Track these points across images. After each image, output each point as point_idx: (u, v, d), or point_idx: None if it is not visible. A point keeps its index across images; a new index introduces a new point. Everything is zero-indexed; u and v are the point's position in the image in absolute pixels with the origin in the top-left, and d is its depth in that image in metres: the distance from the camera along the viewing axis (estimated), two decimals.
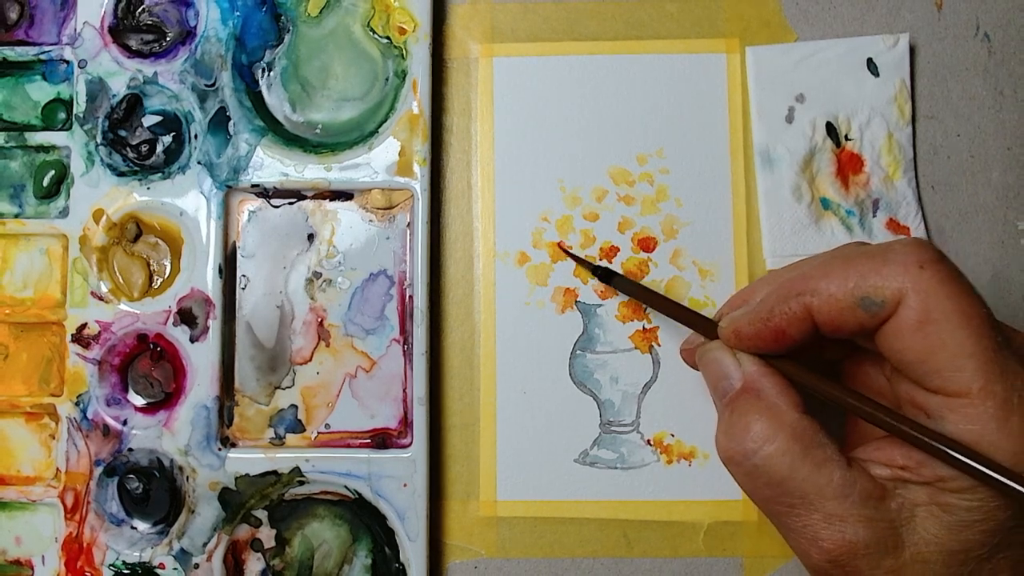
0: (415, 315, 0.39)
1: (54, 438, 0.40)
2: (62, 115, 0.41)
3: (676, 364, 0.40)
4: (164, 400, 0.39)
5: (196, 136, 0.40)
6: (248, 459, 0.39)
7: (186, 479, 0.39)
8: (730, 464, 0.30)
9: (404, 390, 0.40)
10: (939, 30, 0.41)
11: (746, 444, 0.29)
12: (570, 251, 0.40)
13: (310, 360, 0.40)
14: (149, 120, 0.40)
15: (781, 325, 0.29)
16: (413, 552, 0.38)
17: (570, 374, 0.40)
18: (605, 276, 0.39)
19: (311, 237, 0.40)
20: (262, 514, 0.39)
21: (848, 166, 0.40)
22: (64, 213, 0.40)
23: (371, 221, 0.40)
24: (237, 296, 0.40)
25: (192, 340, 0.39)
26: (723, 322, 0.32)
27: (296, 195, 0.40)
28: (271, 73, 0.41)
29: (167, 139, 0.40)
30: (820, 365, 0.32)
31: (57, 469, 0.39)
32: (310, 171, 0.39)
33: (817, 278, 0.29)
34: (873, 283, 0.28)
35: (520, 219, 0.41)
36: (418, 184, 0.39)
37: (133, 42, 0.40)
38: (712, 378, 0.32)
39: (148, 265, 0.40)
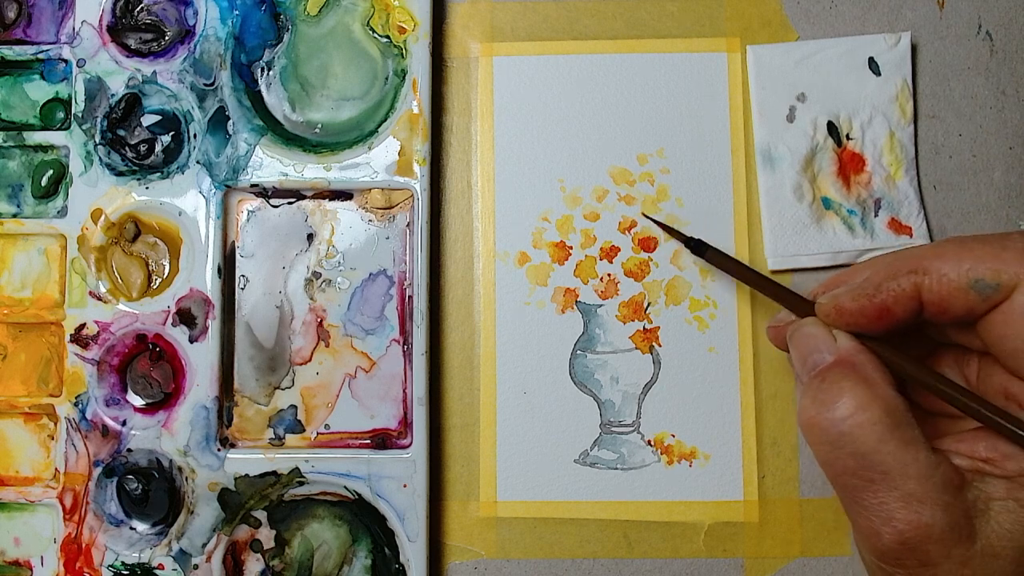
0: (415, 315, 0.38)
1: (53, 439, 0.40)
2: (60, 114, 0.41)
3: (676, 364, 0.40)
4: (163, 400, 0.39)
5: (195, 136, 0.39)
6: (247, 459, 0.38)
7: (185, 480, 0.38)
8: (814, 431, 0.29)
9: (404, 390, 0.39)
10: (941, 29, 0.41)
11: (837, 411, 0.28)
12: (656, 219, 0.39)
13: (310, 360, 0.40)
14: (148, 119, 0.40)
15: (887, 302, 0.29)
16: (413, 553, 0.38)
17: (570, 374, 0.40)
18: (697, 248, 0.37)
19: (310, 237, 0.40)
20: (261, 515, 0.39)
21: (850, 165, 0.40)
22: (62, 213, 0.40)
23: (371, 221, 0.40)
24: (236, 296, 0.40)
25: (191, 340, 0.39)
26: (823, 298, 0.31)
27: (295, 195, 0.40)
28: (270, 72, 0.40)
29: (166, 139, 0.40)
30: None
31: (56, 470, 0.39)
32: (309, 171, 0.39)
33: (930, 258, 0.29)
34: (990, 266, 0.28)
35: (520, 219, 0.41)
36: (418, 184, 0.39)
37: (132, 41, 0.40)
38: (802, 352, 0.31)
39: (147, 265, 0.40)
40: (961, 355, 0.32)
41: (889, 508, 0.27)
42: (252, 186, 0.39)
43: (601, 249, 0.40)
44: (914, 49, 0.41)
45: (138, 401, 0.39)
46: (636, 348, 0.40)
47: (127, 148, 0.40)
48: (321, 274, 0.40)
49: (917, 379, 0.30)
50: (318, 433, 0.40)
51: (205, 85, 0.40)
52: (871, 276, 0.30)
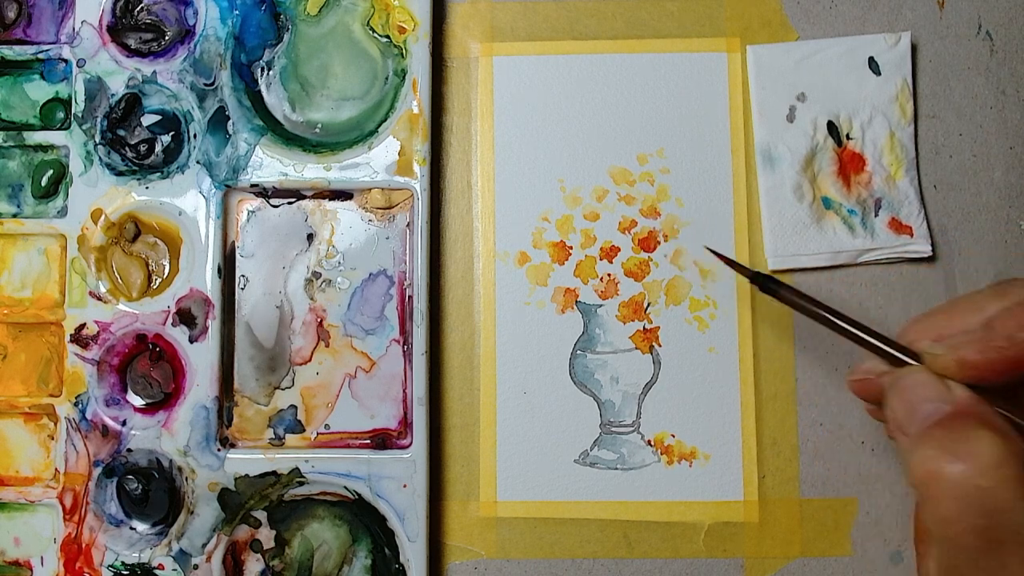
0: (415, 315, 0.38)
1: (53, 439, 0.40)
2: (60, 114, 0.41)
3: (676, 364, 0.40)
4: (163, 400, 0.39)
5: (195, 135, 0.39)
6: (247, 460, 0.38)
7: (185, 480, 0.38)
8: (940, 484, 0.26)
9: (404, 390, 0.39)
10: (941, 29, 0.41)
11: (972, 463, 0.25)
12: (721, 255, 0.37)
13: (310, 360, 0.40)
14: (148, 119, 0.40)
15: (1021, 355, 0.27)
16: (413, 553, 0.38)
17: (570, 374, 0.40)
18: (765, 286, 0.34)
19: (310, 237, 0.40)
20: (261, 515, 0.39)
21: (850, 165, 0.40)
22: (62, 213, 0.40)
23: (371, 221, 0.40)
24: (236, 296, 0.40)
25: (191, 340, 0.39)
26: (938, 349, 0.29)
27: (295, 195, 0.40)
28: (270, 72, 0.40)
29: (166, 138, 0.40)
30: None
31: (56, 470, 0.39)
32: (309, 171, 0.39)
33: None
34: None
35: (520, 219, 0.41)
36: (418, 184, 0.39)
37: (132, 41, 0.40)
38: (910, 401, 0.28)
39: (147, 265, 0.40)
40: None
41: (1012, 572, 0.26)
42: (252, 186, 0.39)
43: (601, 249, 0.40)
44: (914, 49, 0.41)
45: (138, 401, 0.39)
46: (636, 348, 0.40)
47: (127, 148, 0.40)
48: (321, 274, 0.40)
49: None
50: (318, 433, 0.40)
51: (205, 85, 0.40)
52: (999, 327, 0.28)
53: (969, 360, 0.28)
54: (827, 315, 0.32)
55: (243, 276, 0.40)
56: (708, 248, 0.39)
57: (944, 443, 0.26)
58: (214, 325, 0.39)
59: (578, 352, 0.40)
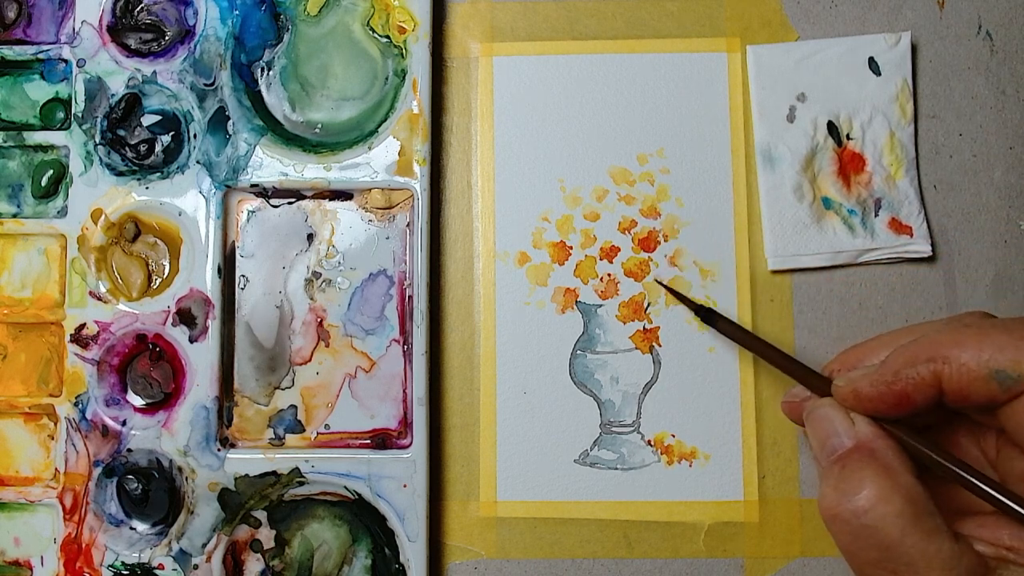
0: (415, 315, 0.38)
1: (53, 439, 0.40)
2: (60, 114, 0.41)
3: (677, 364, 0.40)
4: (163, 400, 0.39)
5: (195, 136, 0.39)
6: (247, 460, 0.38)
7: (185, 480, 0.38)
8: (835, 522, 0.29)
9: (404, 390, 0.39)
10: (941, 29, 0.41)
11: (858, 502, 0.28)
12: (670, 287, 0.39)
13: (310, 360, 0.40)
14: (148, 119, 0.40)
15: (906, 390, 0.29)
16: (413, 553, 0.38)
17: (570, 374, 0.40)
18: (707, 318, 0.37)
19: (310, 237, 0.40)
20: (261, 515, 0.39)
21: (850, 165, 0.40)
22: (62, 213, 0.40)
23: (371, 221, 0.40)
24: (236, 296, 0.40)
25: (191, 340, 0.39)
26: (840, 381, 0.31)
27: (295, 195, 0.40)
28: (270, 72, 0.40)
29: (166, 139, 0.40)
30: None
31: (56, 470, 0.39)
32: (309, 171, 0.39)
33: (948, 345, 0.28)
34: (1011, 357, 0.27)
35: (520, 219, 0.41)
36: (418, 184, 0.39)
37: (132, 41, 0.40)
38: (820, 435, 0.31)
39: (147, 265, 0.40)
40: (978, 427, 0.32)
41: None
42: (252, 186, 0.39)
43: (601, 249, 0.40)
44: (914, 49, 0.41)
45: (138, 401, 0.39)
46: (636, 348, 0.40)
47: (127, 148, 0.40)
48: (321, 274, 0.40)
49: (936, 466, 0.30)
50: (318, 433, 0.40)
51: (205, 85, 0.40)
52: (889, 362, 0.30)
53: (863, 392, 0.30)
54: (757, 344, 0.36)
55: (243, 276, 0.40)
56: (658, 281, 0.40)
57: (837, 482, 0.29)
58: (214, 325, 0.39)
59: (578, 352, 0.40)
